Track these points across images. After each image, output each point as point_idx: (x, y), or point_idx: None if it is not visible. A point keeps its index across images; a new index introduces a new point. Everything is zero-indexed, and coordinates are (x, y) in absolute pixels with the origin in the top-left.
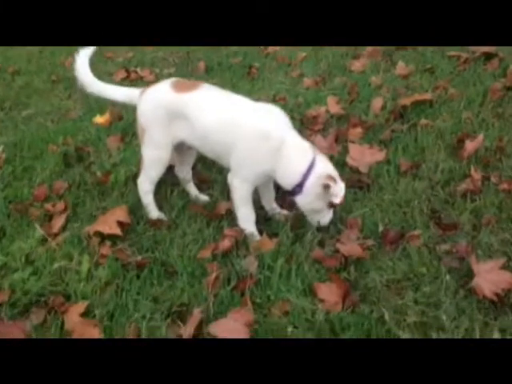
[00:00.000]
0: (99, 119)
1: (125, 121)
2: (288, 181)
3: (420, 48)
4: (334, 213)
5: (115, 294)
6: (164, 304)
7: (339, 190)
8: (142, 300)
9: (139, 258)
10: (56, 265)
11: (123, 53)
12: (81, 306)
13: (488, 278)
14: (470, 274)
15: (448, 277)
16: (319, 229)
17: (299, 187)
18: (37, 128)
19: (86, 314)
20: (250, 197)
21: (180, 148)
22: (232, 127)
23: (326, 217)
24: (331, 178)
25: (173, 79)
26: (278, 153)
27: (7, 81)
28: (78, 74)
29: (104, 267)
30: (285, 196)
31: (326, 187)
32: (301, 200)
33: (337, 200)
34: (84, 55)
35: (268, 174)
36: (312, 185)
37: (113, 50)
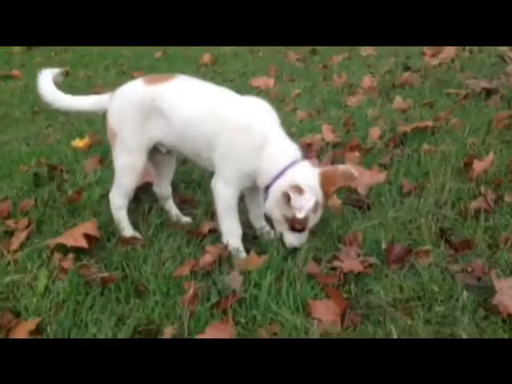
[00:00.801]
0: (78, 143)
1: (105, 145)
2: (261, 180)
3: (417, 85)
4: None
5: (74, 312)
6: (129, 323)
7: (303, 203)
8: (104, 319)
9: (106, 274)
10: (7, 279)
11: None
12: (31, 324)
13: None
14: (489, 292)
15: (465, 294)
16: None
17: (266, 189)
18: (9, 151)
19: (38, 332)
20: (235, 206)
21: (156, 158)
22: (213, 118)
23: (288, 236)
24: (297, 188)
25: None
26: (260, 150)
27: None
28: (42, 91)
29: (63, 282)
30: None
31: (285, 196)
32: (266, 204)
33: (299, 214)
34: (47, 74)
35: (252, 175)
36: (274, 189)
37: (100, 85)
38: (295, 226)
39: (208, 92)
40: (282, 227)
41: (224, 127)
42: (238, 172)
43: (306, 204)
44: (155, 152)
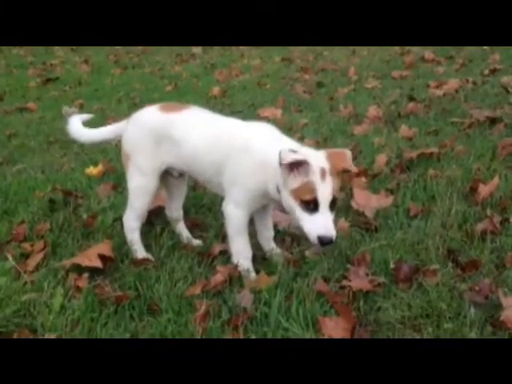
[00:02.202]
0: (92, 171)
1: (117, 173)
2: (273, 192)
3: (422, 115)
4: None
5: (89, 329)
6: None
7: (288, 155)
8: (118, 335)
9: (120, 293)
10: (24, 297)
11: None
12: None
13: None
14: (497, 309)
15: (473, 310)
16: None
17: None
18: (25, 179)
19: None
20: (245, 227)
21: (168, 182)
22: (220, 145)
23: (307, 223)
24: (291, 150)
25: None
26: (263, 167)
27: (2, 141)
28: (71, 133)
29: (79, 300)
30: (284, 237)
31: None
32: (282, 200)
33: (283, 160)
34: (76, 119)
35: (260, 194)
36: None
37: (113, 117)
38: (304, 198)
39: (216, 122)
40: (298, 214)
41: (229, 151)
42: (246, 193)
43: (290, 156)
44: (167, 176)
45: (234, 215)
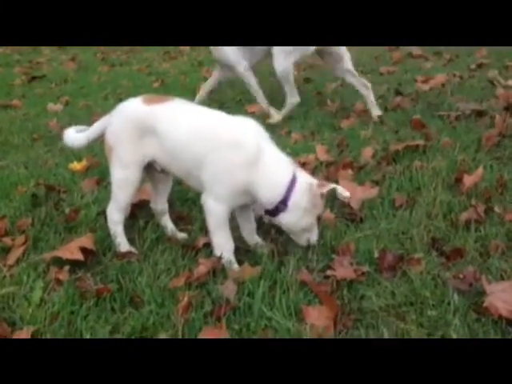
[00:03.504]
0: (76, 166)
1: (102, 167)
2: (269, 197)
3: (409, 108)
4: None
5: (68, 321)
6: (124, 331)
7: (340, 188)
8: (99, 327)
9: (101, 286)
10: (3, 290)
11: None
12: (26, 333)
13: (503, 297)
14: (481, 296)
15: (456, 297)
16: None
17: (283, 204)
18: (8, 174)
19: None
20: (226, 221)
21: (153, 175)
22: (202, 138)
23: (314, 233)
24: (321, 184)
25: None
26: (253, 165)
27: None
28: (67, 144)
29: (59, 292)
30: (268, 229)
31: (327, 193)
32: (287, 218)
33: (347, 193)
34: (72, 130)
35: (244, 191)
36: (299, 199)
37: (99, 113)
38: (321, 213)
39: (198, 114)
40: (310, 230)
41: (213, 145)
42: (230, 189)
43: (342, 188)
44: (152, 169)
45: (215, 210)
